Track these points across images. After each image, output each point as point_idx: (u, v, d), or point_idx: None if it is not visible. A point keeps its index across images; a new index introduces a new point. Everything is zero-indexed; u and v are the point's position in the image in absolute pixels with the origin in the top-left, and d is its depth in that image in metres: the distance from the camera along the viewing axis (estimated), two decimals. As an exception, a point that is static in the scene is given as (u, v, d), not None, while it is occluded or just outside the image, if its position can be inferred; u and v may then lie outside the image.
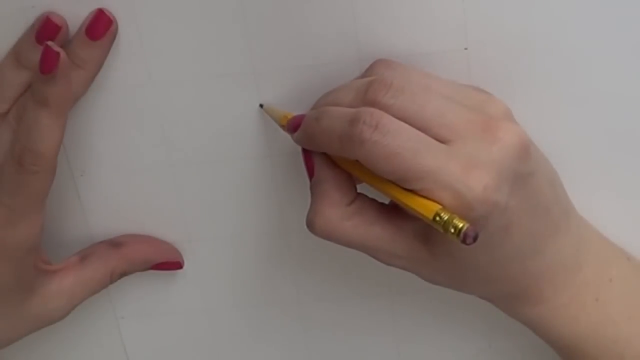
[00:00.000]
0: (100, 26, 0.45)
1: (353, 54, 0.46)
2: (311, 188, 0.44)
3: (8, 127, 0.46)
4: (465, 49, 0.45)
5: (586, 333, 0.45)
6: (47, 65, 0.43)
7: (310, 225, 0.43)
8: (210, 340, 0.55)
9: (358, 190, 0.44)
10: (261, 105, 0.47)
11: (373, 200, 0.44)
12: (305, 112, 0.44)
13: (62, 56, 0.43)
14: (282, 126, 0.46)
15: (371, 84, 0.41)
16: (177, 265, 0.52)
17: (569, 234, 0.45)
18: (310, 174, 0.44)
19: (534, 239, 0.43)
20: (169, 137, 0.49)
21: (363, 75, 0.44)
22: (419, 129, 0.40)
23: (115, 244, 0.50)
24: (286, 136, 0.45)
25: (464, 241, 0.38)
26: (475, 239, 0.38)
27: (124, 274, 0.50)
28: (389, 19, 0.45)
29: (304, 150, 0.44)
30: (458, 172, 0.39)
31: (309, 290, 0.53)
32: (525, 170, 0.41)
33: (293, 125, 0.44)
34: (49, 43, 0.43)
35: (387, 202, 0.44)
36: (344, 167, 0.43)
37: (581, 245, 0.45)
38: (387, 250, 0.43)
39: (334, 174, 0.43)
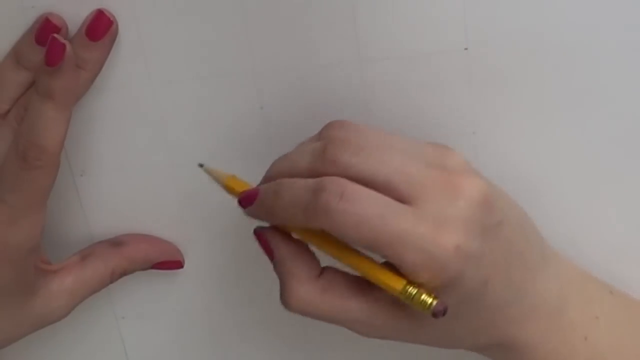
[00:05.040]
0: (101, 27, 0.45)
1: (353, 54, 0.46)
2: (275, 269, 0.43)
3: (8, 127, 0.46)
4: (465, 49, 0.45)
5: None
6: (53, 58, 0.43)
7: (286, 305, 0.42)
8: (210, 340, 0.55)
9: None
10: (201, 165, 0.46)
11: (343, 272, 0.42)
12: (257, 185, 0.43)
13: (68, 48, 0.43)
14: (226, 187, 0.44)
15: (329, 143, 0.40)
16: (177, 264, 0.52)
17: (548, 275, 0.44)
18: (270, 255, 0.43)
19: (513, 286, 0.42)
20: (169, 137, 0.49)
21: (315, 139, 0.43)
22: (382, 186, 0.39)
23: (115, 243, 0.51)
24: (286, 137, 0.45)
25: (434, 316, 0.38)
26: (444, 312, 0.38)
27: (124, 273, 0.50)
28: (389, 19, 0.45)
29: (256, 234, 0.43)
30: (428, 234, 0.38)
31: (309, 290, 0.53)
32: (493, 221, 0.40)
33: (247, 200, 0.43)
34: (55, 35, 0.43)
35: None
36: (303, 239, 0.42)
37: (563, 285, 0.45)
38: (366, 322, 0.42)
39: (293, 249, 0.42)
